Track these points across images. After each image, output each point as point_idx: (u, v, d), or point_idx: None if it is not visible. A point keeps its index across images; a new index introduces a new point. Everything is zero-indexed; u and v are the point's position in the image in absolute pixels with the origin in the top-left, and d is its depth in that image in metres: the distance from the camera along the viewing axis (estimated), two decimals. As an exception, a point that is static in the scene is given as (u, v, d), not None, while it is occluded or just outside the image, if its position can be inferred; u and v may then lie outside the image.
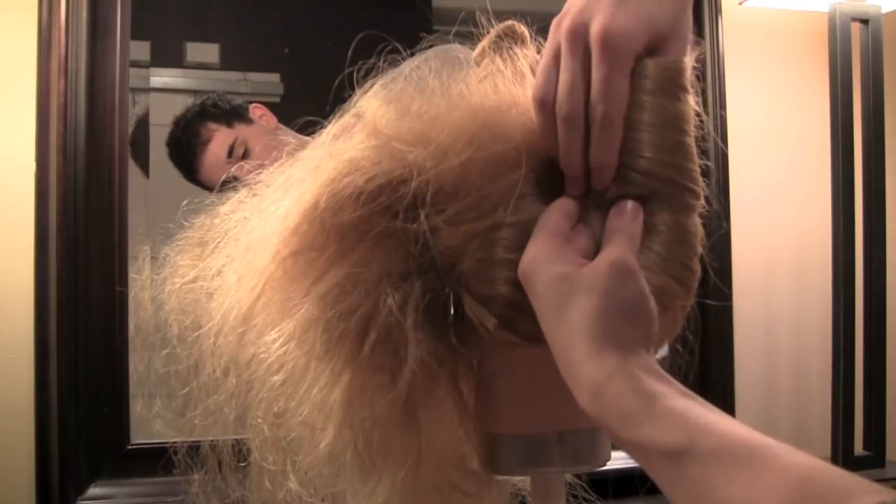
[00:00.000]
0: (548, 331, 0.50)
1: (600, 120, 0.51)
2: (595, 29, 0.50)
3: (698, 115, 0.55)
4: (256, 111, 1.30)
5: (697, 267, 0.55)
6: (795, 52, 1.50)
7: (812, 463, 0.40)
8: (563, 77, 0.52)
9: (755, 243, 1.44)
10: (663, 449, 0.43)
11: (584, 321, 0.48)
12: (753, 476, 0.40)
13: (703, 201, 0.55)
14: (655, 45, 0.52)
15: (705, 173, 0.55)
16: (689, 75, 0.53)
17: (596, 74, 0.51)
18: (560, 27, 0.53)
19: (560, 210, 0.53)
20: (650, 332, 0.49)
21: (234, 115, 1.28)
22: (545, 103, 0.53)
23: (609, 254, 0.50)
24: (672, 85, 0.52)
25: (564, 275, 0.49)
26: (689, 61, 0.54)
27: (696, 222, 0.55)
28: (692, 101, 0.54)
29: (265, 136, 1.28)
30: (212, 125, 1.27)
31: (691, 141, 0.54)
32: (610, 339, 0.47)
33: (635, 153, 0.52)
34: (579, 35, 0.51)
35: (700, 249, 0.55)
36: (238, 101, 1.30)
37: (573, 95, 0.52)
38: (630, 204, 0.52)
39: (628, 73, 0.51)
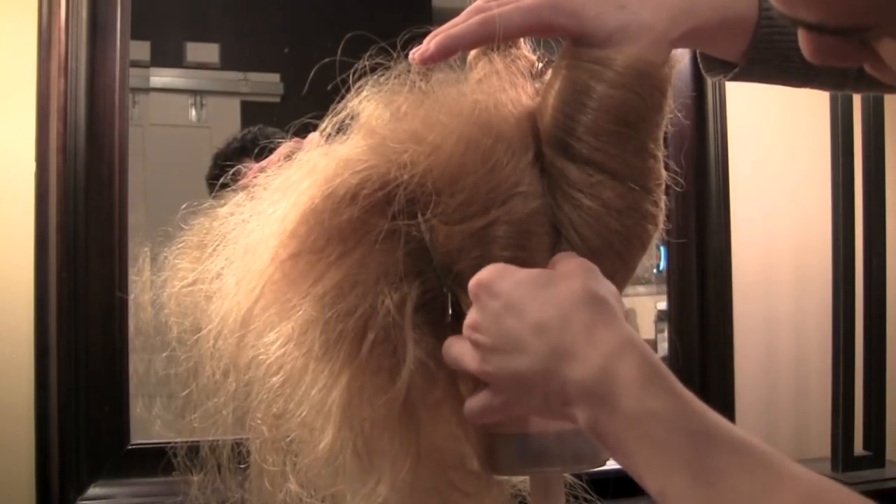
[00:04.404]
0: (532, 305, 0.49)
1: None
2: None
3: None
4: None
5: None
6: (795, 52, 1.50)
7: (822, 482, 0.41)
8: None
9: (755, 243, 1.44)
10: (686, 428, 0.43)
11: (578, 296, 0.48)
12: (768, 476, 0.40)
13: (635, 195, 0.55)
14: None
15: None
16: (655, 73, 0.53)
17: None
18: None
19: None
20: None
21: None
22: None
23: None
24: (627, 78, 0.53)
25: (539, 272, 0.51)
26: (659, 60, 0.54)
27: (618, 208, 0.55)
28: (660, 103, 0.54)
29: None
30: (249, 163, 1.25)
31: (636, 134, 0.54)
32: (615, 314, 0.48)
33: (573, 132, 0.53)
34: None
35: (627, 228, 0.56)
36: (278, 136, 1.28)
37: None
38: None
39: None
